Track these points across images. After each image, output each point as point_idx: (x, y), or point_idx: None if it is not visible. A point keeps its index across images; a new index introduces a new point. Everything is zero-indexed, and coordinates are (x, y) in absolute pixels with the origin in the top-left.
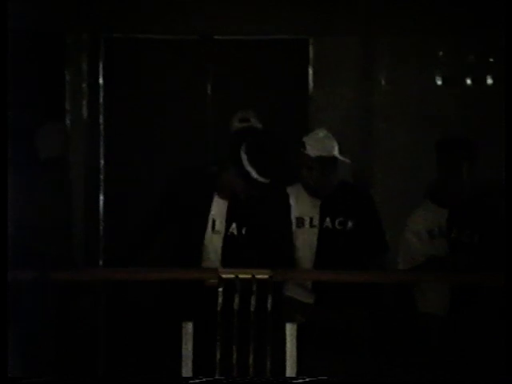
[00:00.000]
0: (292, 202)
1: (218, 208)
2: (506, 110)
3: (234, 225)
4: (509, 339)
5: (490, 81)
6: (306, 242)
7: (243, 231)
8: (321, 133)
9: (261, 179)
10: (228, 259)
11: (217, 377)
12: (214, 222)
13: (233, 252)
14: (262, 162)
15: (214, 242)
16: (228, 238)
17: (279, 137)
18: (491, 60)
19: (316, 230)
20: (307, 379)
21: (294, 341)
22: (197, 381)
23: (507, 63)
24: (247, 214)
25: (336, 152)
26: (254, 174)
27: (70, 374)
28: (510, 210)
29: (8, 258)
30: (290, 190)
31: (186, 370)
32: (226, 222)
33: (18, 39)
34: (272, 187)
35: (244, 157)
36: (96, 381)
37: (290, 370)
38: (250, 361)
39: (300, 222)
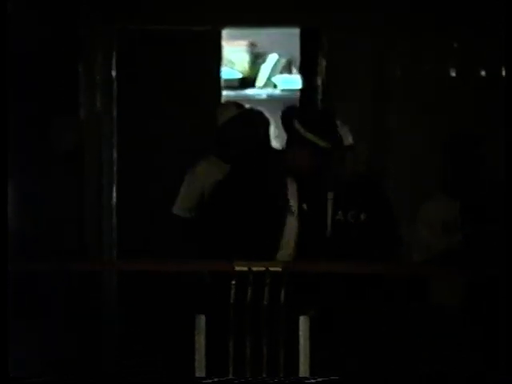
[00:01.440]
0: None
1: (291, 189)
2: (505, 110)
3: (304, 205)
4: (509, 339)
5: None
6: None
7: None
8: (337, 122)
9: (323, 143)
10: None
11: (230, 377)
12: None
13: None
14: (320, 127)
15: (291, 225)
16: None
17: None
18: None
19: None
20: (319, 379)
21: (307, 334)
22: (209, 381)
23: (507, 63)
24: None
25: (351, 141)
26: (317, 140)
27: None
28: (510, 210)
29: (15, 252)
30: None
31: (199, 366)
32: (299, 202)
33: (31, 32)
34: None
35: (301, 130)
36: (96, 381)
37: (303, 363)
38: (264, 354)
39: None
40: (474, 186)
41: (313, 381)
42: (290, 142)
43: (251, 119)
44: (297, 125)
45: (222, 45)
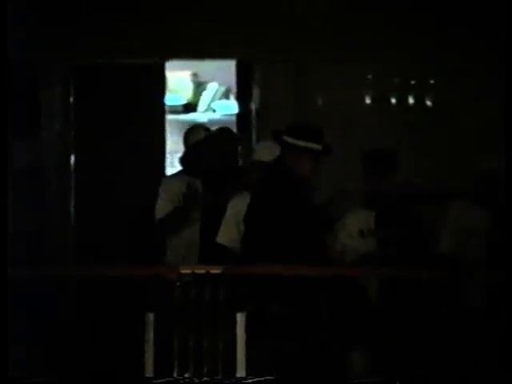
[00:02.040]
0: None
1: None
2: (505, 110)
3: None
4: (509, 338)
5: (411, 100)
6: None
7: None
8: (267, 142)
9: (316, 147)
10: None
11: (174, 375)
12: None
13: None
14: (311, 134)
15: None
16: None
17: None
18: (413, 82)
19: None
20: (256, 379)
21: (244, 329)
22: (158, 381)
23: (507, 62)
24: None
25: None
26: (310, 145)
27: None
28: (509, 210)
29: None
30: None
31: (148, 362)
32: None
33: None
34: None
35: (291, 140)
36: (97, 381)
37: (240, 357)
38: (204, 348)
39: None
40: (386, 198)
41: (249, 381)
42: (285, 155)
43: (218, 141)
44: (286, 138)
45: (165, 75)
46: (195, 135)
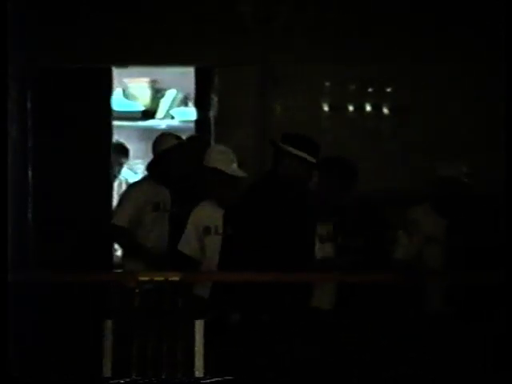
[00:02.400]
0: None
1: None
2: (506, 110)
3: None
4: (509, 338)
5: (369, 108)
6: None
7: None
8: (221, 147)
9: (311, 159)
10: None
11: (133, 377)
12: None
13: None
14: (308, 146)
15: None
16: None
17: None
18: (370, 90)
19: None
20: (214, 379)
21: (202, 336)
22: (116, 381)
23: (508, 62)
24: None
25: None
26: (308, 157)
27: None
28: (510, 210)
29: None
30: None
31: (106, 368)
32: None
33: None
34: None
35: (290, 149)
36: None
37: (198, 363)
38: (163, 355)
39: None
40: (344, 204)
41: (208, 381)
42: (279, 163)
43: (187, 150)
44: (285, 147)
45: (112, 80)
46: (165, 143)
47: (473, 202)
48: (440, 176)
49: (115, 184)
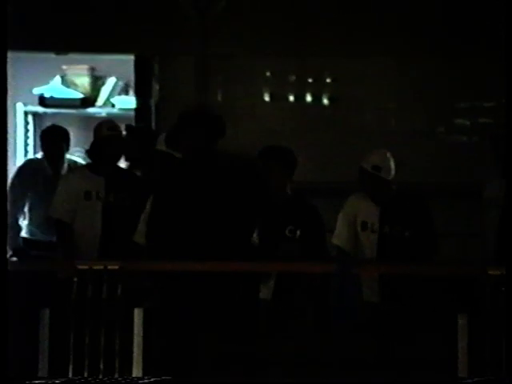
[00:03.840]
0: None
1: None
2: (506, 110)
3: None
4: (509, 338)
5: (309, 98)
6: None
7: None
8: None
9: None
10: None
11: (70, 376)
12: None
13: None
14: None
15: None
16: None
17: None
18: (310, 80)
19: None
20: (152, 379)
21: (141, 324)
22: (55, 381)
23: (507, 63)
24: None
25: None
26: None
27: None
28: (510, 210)
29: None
30: None
31: (43, 358)
32: None
33: None
34: None
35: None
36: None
37: (137, 352)
38: (101, 345)
39: None
40: (283, 193)
41: (146, 381)
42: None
43: (121, 139)
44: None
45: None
46: (99, 131)
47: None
48: (361, 167)
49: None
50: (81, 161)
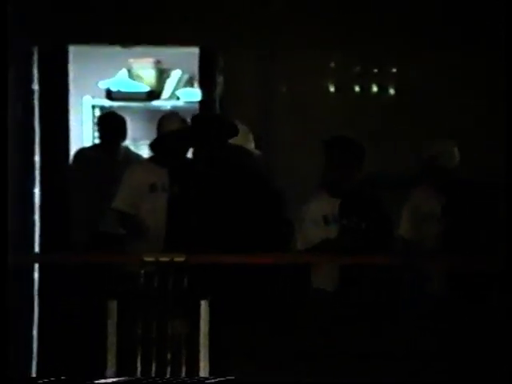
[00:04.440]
0: None
1: None
2: (506, 110)
3: None
4: (509, 338)
5: (375, 89)
6: None
7: None
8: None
9: None
10: None
11: (138, 376)
12: None
13: None
14: None
15: None
16: None
17: None
18: (376, 70)
19: None
20: (218, 379)
21: (208, 316)
22: (119, 379)
23: (507, 61)
24: None
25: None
26: None
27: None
28: (510, 210)
29: None
30: None
31: (111, 350)
32: None
33: None
34: None
35: None
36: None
37: (203, 346)
38: (168, 339)
39: None
40: (350, 185)
41: (212, 381)
42: None
43: (188, 133)
44: None
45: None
46: (166, 125)
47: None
48: (423, 156)
49: None
50: (143, 153)
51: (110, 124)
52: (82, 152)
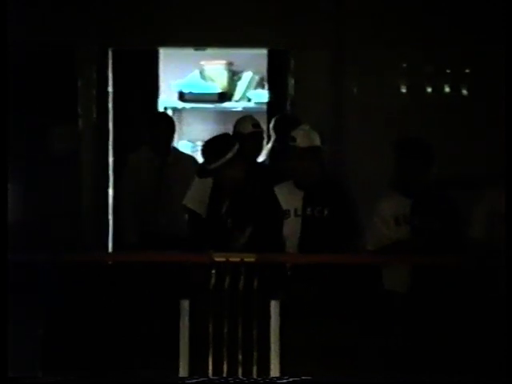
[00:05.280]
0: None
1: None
2: (506, 110)
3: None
4: (509, 338)
5: (447, 89)
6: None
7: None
8: (306, 127)
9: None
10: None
11: (210, 377)
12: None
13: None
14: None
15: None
16: None
17: None
18: (448, 71)
19: (300, 219)
20: (291, 379)
21: (278, 317)
22: (193, 381)
23: (507, 61)
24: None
25: (319, 142)
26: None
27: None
28: (510, 209)
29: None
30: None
31: (184, 349)
32: None
33: (33, 51)
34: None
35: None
36: (96, 380)
37: (274, 346)
38: (239, 337)
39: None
40: (422, 185)
41: (285, 381)
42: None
43: (263, 136)
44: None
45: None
46: (242, 128)
47: None
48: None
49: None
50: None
51: (163, 125)
52: (134, 155)
